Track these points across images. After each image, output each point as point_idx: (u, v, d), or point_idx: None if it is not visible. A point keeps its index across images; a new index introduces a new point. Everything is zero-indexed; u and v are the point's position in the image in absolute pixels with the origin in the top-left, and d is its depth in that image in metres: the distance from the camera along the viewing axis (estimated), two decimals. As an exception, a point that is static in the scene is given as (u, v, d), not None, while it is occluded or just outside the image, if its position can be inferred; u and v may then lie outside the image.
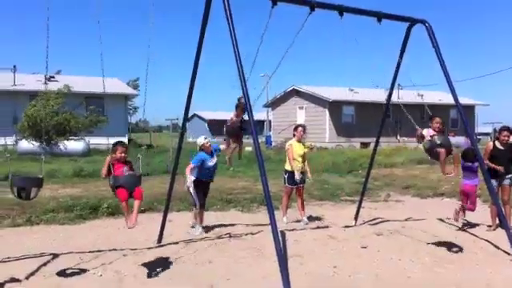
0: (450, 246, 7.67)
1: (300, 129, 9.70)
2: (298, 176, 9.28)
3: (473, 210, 8.77)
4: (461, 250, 7.44)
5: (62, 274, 6.15)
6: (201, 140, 8.84)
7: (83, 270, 6.29)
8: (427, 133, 7.54)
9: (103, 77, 7.67)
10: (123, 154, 6.16)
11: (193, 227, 8.79)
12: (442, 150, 7.01)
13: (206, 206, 9.15)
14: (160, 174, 16.43)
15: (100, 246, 7.56)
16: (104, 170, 6.13)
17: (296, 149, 9.47)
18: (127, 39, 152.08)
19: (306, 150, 9.61)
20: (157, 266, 6.45)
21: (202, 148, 8.76)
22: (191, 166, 8.64)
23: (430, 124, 7.74)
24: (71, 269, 6.33)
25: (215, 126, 56.72)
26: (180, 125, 10.69)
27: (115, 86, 34.04)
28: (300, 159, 9.43)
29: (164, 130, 77.67)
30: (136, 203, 6.07)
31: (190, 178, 8.62)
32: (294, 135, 9.67)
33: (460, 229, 8.98)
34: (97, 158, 22.50)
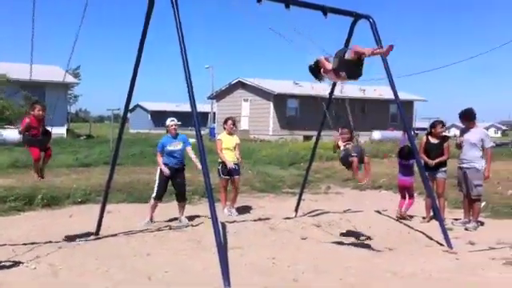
0: (386, 236, 7.91)
1: (230, 122, 9.82)
2: (229, 165, 9.39)
3: (411, 204, 9.34)
4: (396, 241, 7.69)
5: (-7, 267, 5.91)
6: (167, 121, 8.88)
7: (16, 263, 6.05)
8: (341, 143, 7.69)
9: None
10: (41, 112, 6.67)
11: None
12: (354, 159, 7.22)
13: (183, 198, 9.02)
14: (100, 164, 16.05)
15: (35, 238, 7.30)
16: (24, 126, 6.54)
17: (226, 141, 9.59)
18: (67, 25, 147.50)
19: (237, 142, 9.75)
20: (93, 259, 6.30)
21: (167, 129, 8.83)
22: (157, 154, 8.77)
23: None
24: (3, 262, 6.08)
25: (158, 117, 55.90)
26: (121, 115, 10.50)
27: (56, 73, 32.92)
28: (231, 152, 9.54)
29: (106, 120, 75.99)
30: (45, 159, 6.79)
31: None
32: (225, 128, 9.74)
33: (396, 220, 9.25)
34: (34, 147, 21.77)
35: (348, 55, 6.11)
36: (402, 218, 9.24)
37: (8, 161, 15.85)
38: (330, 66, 6.28)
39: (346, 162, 7.33)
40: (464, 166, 8.66)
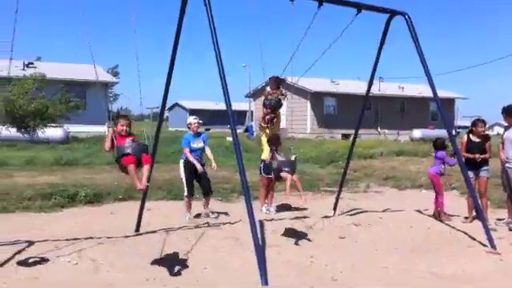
0: (427, 237, 7.76)
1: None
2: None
3: (440, 201, 9.13)
4: (437, 241, 7.54)
5: (37, 262, 6.06)
6: (189, 119, 9.11)
7: (58, 258, 6.20)
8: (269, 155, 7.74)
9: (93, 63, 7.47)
10: (124, 127, 5.92)
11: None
12: (288, 176, 7.31)
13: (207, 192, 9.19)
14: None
15: (76, 234, 7.46)
16: (107, 143, 5.88)
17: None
18: (107, 25, 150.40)
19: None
20: (134, 255, 6.40)
21: (188, 126, 8.99)
22: (185, 149, 8.93)
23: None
24: (46, 257, 6.24)
25: (197, 116, 56.39)
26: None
27: (95, 73, 33.60)
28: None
29: (146, 119, 76.99)
30: (146, 167, 5.92)
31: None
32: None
33: (437, 220, 9.06)
34: (76, 145, 22.29)
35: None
36: (437, 217, 9.06)
37: (52, 158, 16.29)
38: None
39: (277, 176, 7.47)
40: (506, 165, 8.41)
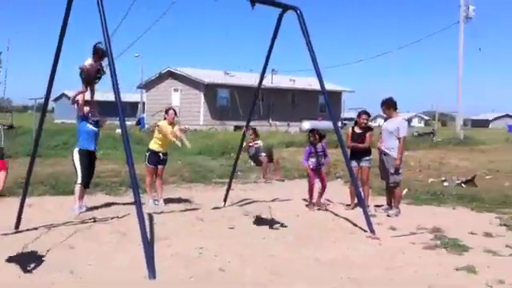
0: (312, 225, 8.08)
1: (171, 111, 9.67)
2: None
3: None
4: (321, 228, 7.87)
5: None
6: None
7: None
8: (246, 143, 7.82)
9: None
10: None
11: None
12: (264, 158, 7.38)
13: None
14: (22, 156, 15.36)
15: None
16: None
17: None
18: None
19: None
20: (11, 253, 6.02)
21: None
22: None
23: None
24: None
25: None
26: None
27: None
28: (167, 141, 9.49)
29: (29, 110, 72.49)
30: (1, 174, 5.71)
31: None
32: (165, 118, 9.63)
33: (320, 208, 9.44)
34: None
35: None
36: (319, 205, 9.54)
37: None
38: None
39: (255, 159, 7.50)
40: (383, 155, 8.95)
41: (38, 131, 7.78)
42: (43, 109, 8.25)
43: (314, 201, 9.47)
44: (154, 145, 9.52)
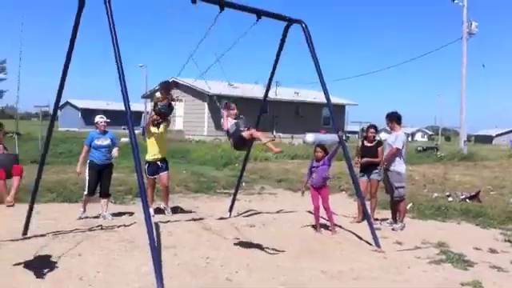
0: (317, 237, 8.10)
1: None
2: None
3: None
4: (327, 240, 7.89)
5: None
6: (96, 118, 9.13)
7: None
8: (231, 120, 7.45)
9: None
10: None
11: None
12: (251, 131, 7.11)
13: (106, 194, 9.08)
14: (27, 163, 15.42)
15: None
16: None
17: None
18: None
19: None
20: (20, 259, 6.08)
21: (96, 126, 8.98)
22: (84, 146, 8.93)
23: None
24: None
25: (88, 116, 54.31)
26: (51, 112, 10.12)
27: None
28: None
29: (33, 117, 72.78)
30: (15, 180, 5.76)
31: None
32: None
33: (327, 220, 9.44)
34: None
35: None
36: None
37: None
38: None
39: (238, 139, 7.04)
40: (389, 170, 8.94)
41: (47, 139, 7.86)
42: (51, 119, 8.32)
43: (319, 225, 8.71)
44: (148, 155, 9.52)
